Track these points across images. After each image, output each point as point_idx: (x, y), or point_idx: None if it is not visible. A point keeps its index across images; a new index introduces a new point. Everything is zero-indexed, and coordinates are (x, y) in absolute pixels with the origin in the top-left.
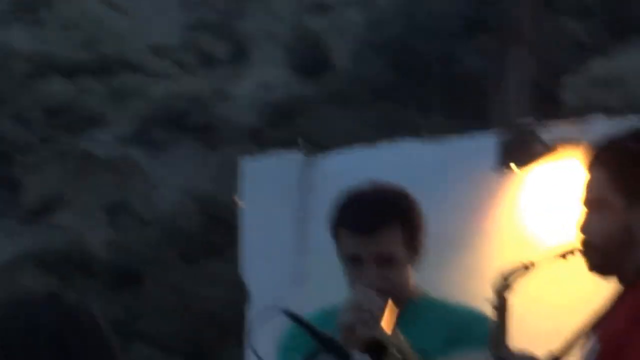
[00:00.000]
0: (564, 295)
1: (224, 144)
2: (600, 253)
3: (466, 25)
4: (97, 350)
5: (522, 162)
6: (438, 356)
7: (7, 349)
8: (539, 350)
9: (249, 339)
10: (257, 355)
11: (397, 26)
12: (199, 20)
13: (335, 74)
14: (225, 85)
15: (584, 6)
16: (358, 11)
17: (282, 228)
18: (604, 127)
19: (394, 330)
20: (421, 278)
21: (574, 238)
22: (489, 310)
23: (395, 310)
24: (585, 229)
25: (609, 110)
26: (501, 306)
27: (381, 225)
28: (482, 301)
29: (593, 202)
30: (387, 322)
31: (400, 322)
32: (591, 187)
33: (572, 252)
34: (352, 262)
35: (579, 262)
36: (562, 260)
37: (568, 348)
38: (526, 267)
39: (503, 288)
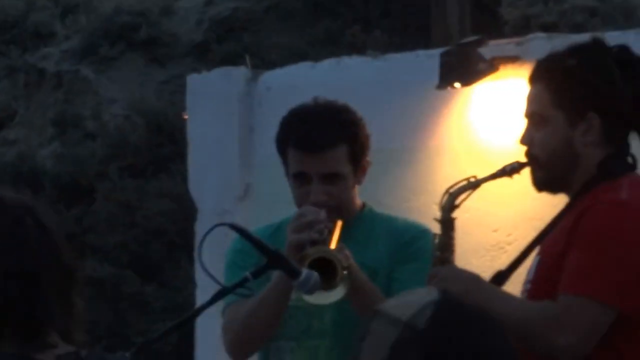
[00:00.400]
0: (511, 211)
1: (171, 59)
2: (544, 168)
3: None
4: (42, 246)
5: (465, 80)
6: (382, 271)
7: None
8: (486, 267)
9: (197, 254)
10: (205, 270)
11: None
12: None
13: None
14: (171, 0)
15: None
16: None
17: (228, 143)
18: (543, 44)
19: (340, 246)
20: (366, 194)
21: (520, 155)
22: (434, 227)
23: (340, 224)
24: (526, 140)
25: (548, 27)
26: (447, 223)
27: (328, 144)
28: (426, 217)
29: (534, 115)
30: (334, 239)
31: (345, 237)
32: (532, 101)
33: (517, 169)
34: (300, 179)
35: (527, 179)
36: (507, 177)
37: (514, 264)
38: (471, 184)
39: (449, 204)
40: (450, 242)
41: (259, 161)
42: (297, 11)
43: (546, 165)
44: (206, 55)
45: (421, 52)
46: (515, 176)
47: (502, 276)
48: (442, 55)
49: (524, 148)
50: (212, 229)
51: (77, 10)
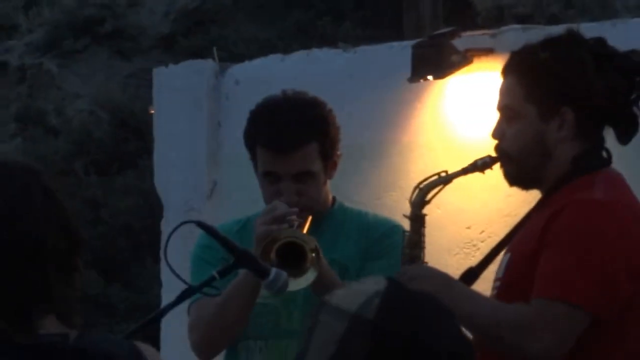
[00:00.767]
0: (484, 208)
1: (137, 52)
2: (515, 163)
3: None
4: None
5: (438, 73)
6: (352, 268)
7: None
8: (459, 264)
9: (163, 253)
10: (171, 269)
11: None
12: None
13: None
14: None
15: None
16: None
17: (196, 138)
18: (518, 36)
19: (309, 235)
20: (336, 190)
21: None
22: (405, 224)
23: (310, 220)
24: (497, 133)
25: (522, 18)
26: (417, 219)
27: (298, 144)
28: (398, 214)
29: (506, 109)
30: (304, 229)
31: (315, 233)
32: (504, 94)
33: (488, 163)
34: (269, 178)
35: (500, 174)
36: (478, 172)
37: (485, 261)
38: (442, 179)
39: (419, 200)
40: (420, 239)
41: (226, 157)
42: (266, 3)
43: (517, 160)
44: (173, 48)
45: (393, 44)
46: (489, 171)
47: (472, 274)
48: (415, 47)
49: (491, 136)
50: (178, 226)
51: (40, 3)
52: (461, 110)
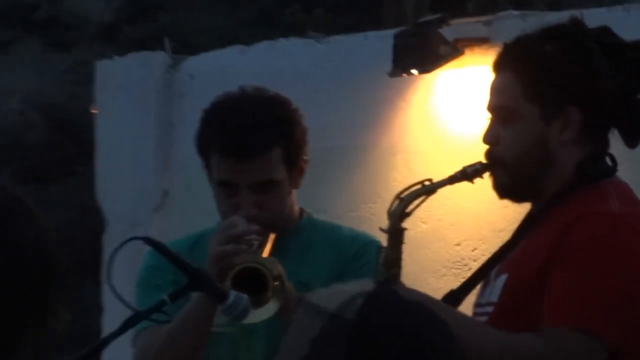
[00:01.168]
0: (476, 222)
1: (75, 43)
2: (510, 171)
3: None
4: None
5: (424, 66)
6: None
7: None
8: (447, 287)
9: (106, 273)
10: (115, 292)
11: None
12: None
13: None
14: None
15: None
16: None
17: (143, 142)
18: (516, 24)
19: (272, 258)
20: (306, 200)
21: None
22: (383, 238)
23: (274, 237)
24: (490, 137)
25: (519, 4)
26: (395, 234)
27: (259, 149)
28: (377, 227)
29: (501, 110)
30: (266, 252)
31: (280, 250)
32: (498, 92)
33: (480, 171)
34: (226, 189)
35: (486, 184)
36: (467, 181)
37: (470, 283)
38: (426, 189)
39: (399, 212)
40: (399, 256)
41: (179, 164)
42: None
43: (514, 168)
44: (117, 38)
45: (371, 34)
46: (481, 180)
47: (453, 298)
48: (396, 36)
49: (482, 140)
50: (123, 243)
51: None
52: (451, 108)
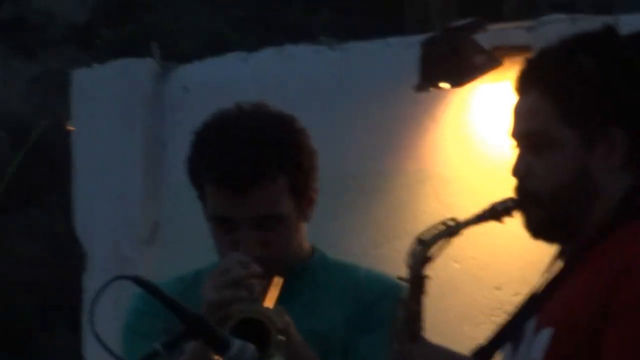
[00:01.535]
0: (518, 262)
1: (44, 49)
2: (546, 208)
3: None
4: None
5: (457, 79)
6: (336, 341)
7: None
8: (482, 338)
9: (88, 318)
10: (100, 340)
11: None
12: None
13: None
14: None
15: None
16: None
17: (129, 164)
18: (563, 29)
19: (277, 307)
20: (318, 236)
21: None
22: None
23: (280, 282)
24: (521, 169)
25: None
26: (416, 283)
27: (260, 179)
28: (403, 268)
29: (533, 136)
30: (270, 299)
31: (287, 295)
32: (526, 116)
33: (511, 209)
34: (223, 224)
35: (517, 222)
36: (496, 220)
37: (503, 336)
38: (449, 230)
39: (420, 257)
40: (420, 309)
41: (171, 190)
42: None
43: (552, 203)
44: (92, 42)
45: (394, 40)
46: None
47: (483, 354)
48: (424, 44)
49: (511, 173)
50: (108, 283)
51: None
52: (488, 128)
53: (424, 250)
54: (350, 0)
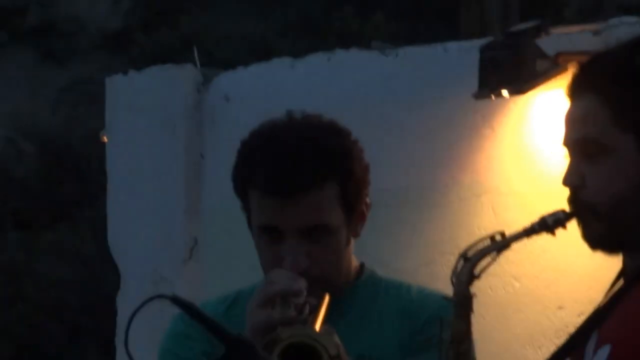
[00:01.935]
0: (584, 280)
1: (74, 56)
2: (603, 220)
3: None
4: None
5: (517, 86)
6: None
7: None
8: (534, 357)
9: (123, 340)
10: None
11: None
12: None
13: None
14: None
15: None
16: None
17: (167, 178)
18: (631, 32)
19: (326, 328)
20: (366, 252)
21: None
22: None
23: (328, 300)
24: (573, 179)
25: (629, 8)
26: (462, 302)
27: (309, 185)
28: None
29: (586, 143)
30: (318, 319)
31: (335, 316)
32: (580, 121)
33: (562, 220)
34: (268, 235)
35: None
36: (548, 233)
37: (559, 356)
38: (497, 245)
39: (466, 275)
40: (467, 328)
41: (211, 205)
42: None
43: (608, 214)
44: (127, 48)
45: (452, 45)
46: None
47: None
48: (483, 49)
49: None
50: (144, 303)
51: None
52: (550, 138)
53: (469, 267)
54: (403, 3)
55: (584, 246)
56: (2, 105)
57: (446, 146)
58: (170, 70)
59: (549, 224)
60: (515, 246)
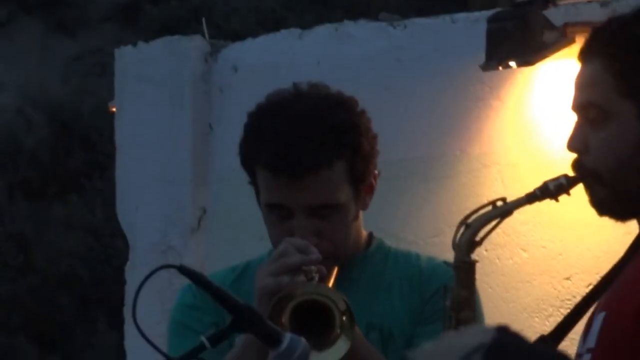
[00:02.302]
0: (592, 250)
1: (84, 26)
2: (608, 185)
3: None
4: None
5: (525, 57)
6: (399, 334)
7: None
8: (542, 328)
9: (131, 311)
10: (142, 334)
11: None
12: None
13: None
14: None
15: None
16: None
17: (175, 148)
18: (636, 3)
19: (337, 291)
20: (375, 224)
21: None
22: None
23: (336, 271)
24: (577, 144)
25: None
26: (464, 269)
27: (317, 166)
28: None
29: (590, 108)
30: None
31: (344, 286)
32: (585, 87)
33: (565, 187)
34: (277, 212)
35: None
36: (551, 198)
37: (565, 326)
38: (498, 211)
39: (467, 242)
40: (470, 296)
41: (219, 175)
42: None
43: (610, 179)
44: (136, 20)
45: (460, 16)
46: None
47: (547, 344)
48: (491, 20)
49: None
50: (152, 273)
51: None
52: (557, 109)
53: (470, 233)
54: None
55: (591, 217)
56: (12, 76)
57: (454, 117)
58: (179, 41)
59: (551, 189)
60: (523, 217)
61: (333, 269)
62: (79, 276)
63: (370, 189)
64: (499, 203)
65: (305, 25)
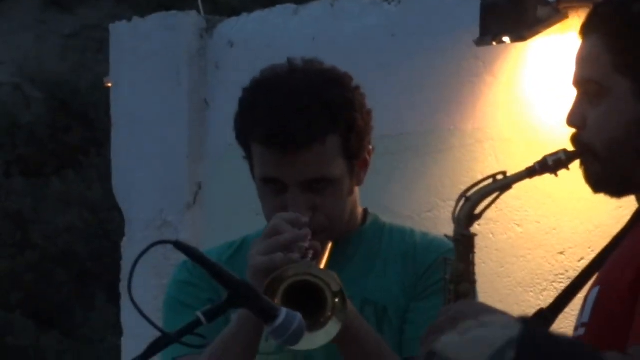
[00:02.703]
0: (584, 225)
1: (81, 2)
2: (602, 161)
3: None
4: None
5: (518, 32)
6: (394, 310)
7: None
8: (544, 304)
9: (127, 286)
10: (139, 310)
11: None
12: None
13: None
14: None
15: None
16: None
17: (171, 124)
18: None
19: (329, 272)
20: (370, 199)
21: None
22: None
23: (331, 247)
24: (576, 119)
25: None
26: (463, 242)
27: (311, 141)
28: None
29: (588, 84)
30: (322, 264)
31: (339, 262)
32: (584, 62)
33: (564, 162)
34: (271, 186)
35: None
36: (550, 173)
37: (562, 300)
38: (498, 185)
39: (466, 215)
40: (469, 269)
41: (215, 151)
42: None
43: (605, 156)
44: None
45: None
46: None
47: (543, 319)
48: None
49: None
50: (148, 248)
51: None
52: (550, 85)
53: (470, 206)
54: None
55: (584, 192)
56: (9, 52)
57: (448, 92)
58: (175, 17)
59: (550, 164)
60: (517, 192)
61: (327, 245)
62: (76, 252)
63: (365, 165)
64: (499, 177)
65: (301, 1)
